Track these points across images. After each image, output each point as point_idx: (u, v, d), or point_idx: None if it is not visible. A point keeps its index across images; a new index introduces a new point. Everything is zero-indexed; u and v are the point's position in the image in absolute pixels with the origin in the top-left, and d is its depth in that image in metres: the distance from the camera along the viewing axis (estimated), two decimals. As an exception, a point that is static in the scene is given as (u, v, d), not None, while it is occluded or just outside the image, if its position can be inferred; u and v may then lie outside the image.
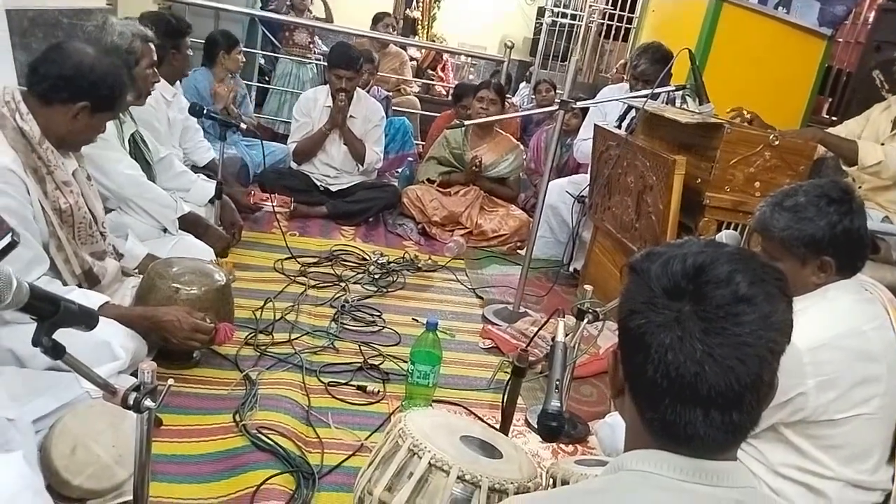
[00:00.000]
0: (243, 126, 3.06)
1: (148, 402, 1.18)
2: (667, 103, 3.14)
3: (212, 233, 2.59)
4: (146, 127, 2.55)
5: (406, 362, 2.29)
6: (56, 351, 1.03)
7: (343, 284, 2.94)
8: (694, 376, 0.74)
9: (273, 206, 3.34)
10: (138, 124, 2.47)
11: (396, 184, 4.30)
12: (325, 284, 2.92)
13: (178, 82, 3.08)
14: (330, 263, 3.15)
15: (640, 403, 0.81)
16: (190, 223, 2.52)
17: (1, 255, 1.26)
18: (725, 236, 1.78)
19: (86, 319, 1.08)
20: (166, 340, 1.90)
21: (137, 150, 2.42)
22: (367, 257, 3.30)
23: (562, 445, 2.06)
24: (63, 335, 1.11)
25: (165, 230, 2.44)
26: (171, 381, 1.17)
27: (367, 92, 4.27)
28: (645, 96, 2.71)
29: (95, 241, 1.94)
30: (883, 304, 1.47)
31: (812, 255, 1.44)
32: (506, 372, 2.34)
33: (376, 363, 2.33)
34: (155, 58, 2.39)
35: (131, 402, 1.18)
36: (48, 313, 1.00)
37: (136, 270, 2.15)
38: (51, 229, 1.75)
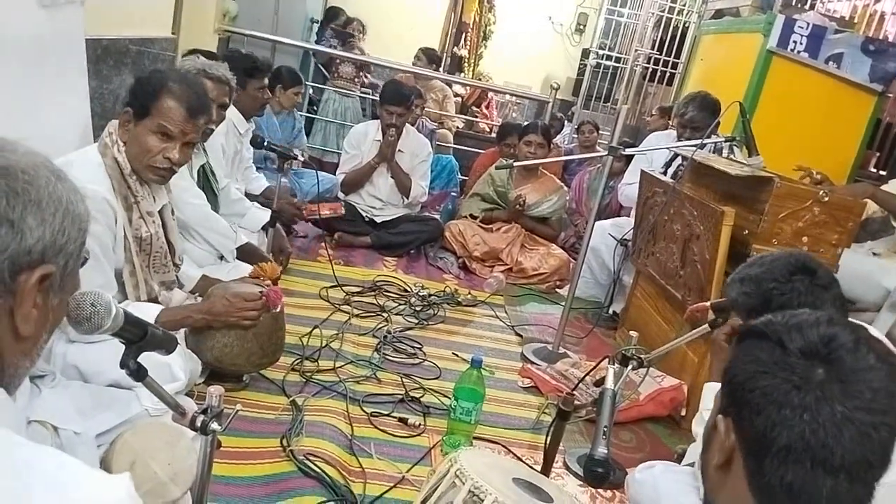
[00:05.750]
0: (301, 158, 3.17)
1: (214, 426, 1.24)
2: (714, 152, 3.16)
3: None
4: (212, 153, 2.66)
5: (446, 396, 2.33)
6: (140, 373, 1.09)
7: (385, 315, 2.99)
8: (833, 440, 0.74)
9: (320, 216, 3.44)
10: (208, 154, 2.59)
11: (439, 218, 4.37)
12: (369, 314, 2.98)
13: (251, 119, 3.23)
14: (373, 293, 3.21)
15: (762, 472, 0.79)
16: (246, 253, 2.62)
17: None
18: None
19: (167, 344, 1.14)
20: (229, 327, 1.95)
21: (206, 181, 2.53)
22: (409, 289, 3.36)
23: (600, 491, 2.06)
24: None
25: (222, 258, 2.53)
26: (239, 406, 1.23)
27: (415, 125, 4.37)
28: (695, 146, 2.75)
29: (168, 272, 2.02)
30: None
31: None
32: (547, 413, 2.36)
33: (417, 396, 2.36)
34: (213, 94, 2.46)
35: (199, 425, 1.24)
36: (136, 338, 1.07)
37: (195, 294, 2.22)
38: (127, 255, 1.83)
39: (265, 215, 2.89)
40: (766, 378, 0.78)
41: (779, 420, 0.76)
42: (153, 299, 1.92)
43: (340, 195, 4.02)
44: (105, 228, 1.73)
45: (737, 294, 1.47)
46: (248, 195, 3.13)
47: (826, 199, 2.37)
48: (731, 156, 2.93)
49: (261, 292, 2.01)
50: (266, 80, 3.19)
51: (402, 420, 2.19)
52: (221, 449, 1.81)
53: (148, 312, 1.80)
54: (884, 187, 3.02)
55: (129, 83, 1.84)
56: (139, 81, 1.84)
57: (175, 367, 1.76)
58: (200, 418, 1.22)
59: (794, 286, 1.40)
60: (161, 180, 1.88)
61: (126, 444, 1.58)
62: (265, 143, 2.93)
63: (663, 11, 6.82)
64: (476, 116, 6.92)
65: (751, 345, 0.83)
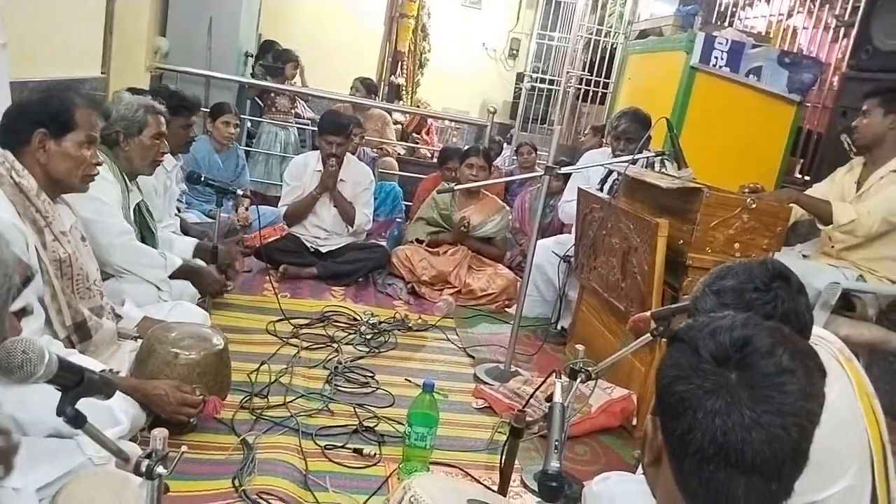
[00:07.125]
0: (239, 192, 3.14)
1: (160, 469, 1.20)
2: (646, 167, 3.27)
3: (206, 275, 2.65)
4: (146, 191, 2.63)
5: (401, 424, 2.32)
6: (78, 420, 1.06)
7: (335, 346, 2.97)
8: (741, 442, 0.77)
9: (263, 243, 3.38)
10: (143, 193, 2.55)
11: (386, 244, 4.38)
12: (318, 346, 2.95)
13: (179, 154, 3.18)
14: (322, 325, 3.19)
15: (682, 471, 0.82)
16: (184, 273, 2.59)
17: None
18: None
19: (105, 389, 1.11)
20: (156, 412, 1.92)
21: (142, 219, 2.49)
22: (358, 318, 3.34)
23: (557, 505, 2.07)
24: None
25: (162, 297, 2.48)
26: (184, 448, 1.20)
27: (355, 154, 4.39)
28: (627, 161, 2.84)
29: (93, 296, 1.99)
30: (835, 356, 1.53)
31: None
32: (501, 432, 2.37)
33: (371, 425, 2.34)
34: (162, 129, 2.47)
35: (143, 469, 1.20)
36: (73, 384, 1.04)
37: (135, 329, 2.17)
38: (46, 278, 1.80)
39: (189, 244, 2.85)
40: (683, 383, 0.81)
41: (695, 423, 0.79)
42: (80, 323, 1.88)
43: (284, 227, 3.99)
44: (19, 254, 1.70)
45: (713, 306, 1.42)
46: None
47: (753, 206, 2.48)
48: (663, 169, 3.03)
49: (203, 399, 1.98)
50: (193, 119, 3.15)
51: (356, 451, 2.17)
52: (172, 493, 1.78)
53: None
54: (807, 191, 3.16)
55: (15, 111, 1.86)
56: (48, 103, 1.84)
57: (116, 410, 1.72)
58: (145, 463, 1.18)
59: (778, 293, 1.38)
60: (87, 187, 1.96)
61: (70, 496, 1.53)
62: (202, 179, 2.90)
63: (591, 34, 7.05)
64: (417, 143, 6.99)
65: (674, 349, 0.86)
